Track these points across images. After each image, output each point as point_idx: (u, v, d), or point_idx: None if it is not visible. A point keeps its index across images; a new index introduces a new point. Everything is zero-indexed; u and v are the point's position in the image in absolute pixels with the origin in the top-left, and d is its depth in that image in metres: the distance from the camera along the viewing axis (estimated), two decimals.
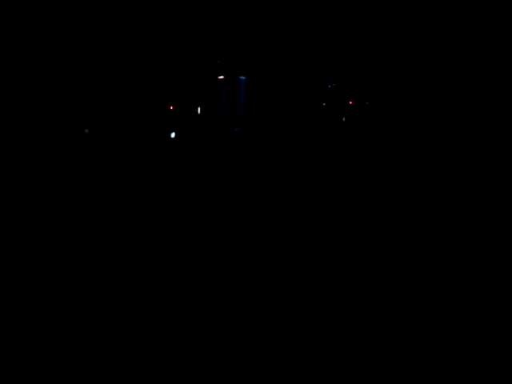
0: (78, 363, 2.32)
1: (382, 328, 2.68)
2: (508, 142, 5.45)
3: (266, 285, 3.19)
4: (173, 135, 6.27)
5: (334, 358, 2.40)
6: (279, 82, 6.61)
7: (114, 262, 3.47)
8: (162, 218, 4.35)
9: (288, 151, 6.27)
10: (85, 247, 3.69)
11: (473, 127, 5.73)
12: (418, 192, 5.08)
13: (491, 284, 3.23)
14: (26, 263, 3.39)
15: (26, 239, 3.77)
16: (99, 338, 2.52)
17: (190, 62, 6.47)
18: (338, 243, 3.90)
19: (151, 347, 2.46)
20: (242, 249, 3.76)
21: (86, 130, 6.08)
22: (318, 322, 2.72)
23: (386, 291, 3.12)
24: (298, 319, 2.76)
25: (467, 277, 3.33)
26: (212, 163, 5.95)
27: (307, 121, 6.64)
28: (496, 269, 3.43)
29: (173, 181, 5.40)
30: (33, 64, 5.81)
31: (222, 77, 6.59)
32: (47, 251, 3.59)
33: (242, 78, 6.62)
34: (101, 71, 6.15)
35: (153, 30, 6.22)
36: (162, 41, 6.29)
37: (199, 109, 6.54)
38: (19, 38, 5.71)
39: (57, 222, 4.15)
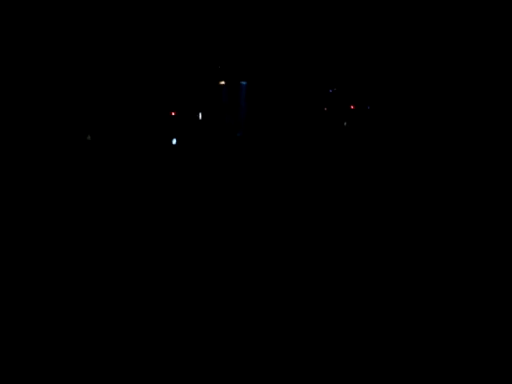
0: (78, 363, 2.35)
1: (382, 328, 2.69)
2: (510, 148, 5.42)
3: (267, 285, 3.21)
4: (174, 141, 6.30)
5: (334, 358, 2.42)
6: (280, 86, 6.61)
7: (115, 262, 3.52)
8: (164, 222, 4.39)
9: (289, 155, 6.27)
10: (85, 247, 3.73)
11: (475, 133, 5.70)
12: (420, 195, 5.07)
13: (491, 284, 3.23)
14: (26, 263, 3.44)
15: (27, 239, 3.83)
16: (99, 337, 2.56)
17: (191, 68, 6.48)
18: (340, 245, 3.91)
19: (151, 347, 2.49)
20: (242, 249, 3.79)
21: (89, 137, 6.13)
22: (318, 322, 2.74)
23: (386, 291, 3.13)
24: (298, 319, 2.78)
25: (467, 277, 3.33)
26: (213, 168, 5.98)
27: (308, 125, 6.63)
28: (496, 268, 3.43)
29: (175, 185, 5.43)
30: (34, 70, 5.87)
31: (223, 82, 6.60)
32: (47, 251, 3.64)
33: (243, 83, 6.63)
34: (102, 77, 6.18)
35: (154, 36, 6.24)
36: (163, 47, 6.31)
37: (200, 114, 6.56)
38: (21, 43, 5.76)
39: (59, 225, 4.20)
